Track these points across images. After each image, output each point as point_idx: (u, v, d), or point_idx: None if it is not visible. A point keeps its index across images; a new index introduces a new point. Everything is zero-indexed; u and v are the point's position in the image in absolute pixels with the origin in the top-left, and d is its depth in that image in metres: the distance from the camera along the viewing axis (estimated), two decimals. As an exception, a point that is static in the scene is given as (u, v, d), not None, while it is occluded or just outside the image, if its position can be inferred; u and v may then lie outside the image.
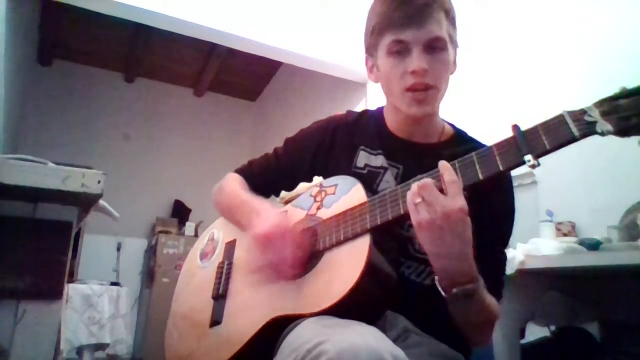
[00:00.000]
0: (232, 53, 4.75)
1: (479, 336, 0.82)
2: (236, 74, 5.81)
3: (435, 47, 0.84)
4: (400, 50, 0.84)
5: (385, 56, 0.87)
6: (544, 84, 2.34)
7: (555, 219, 2.01)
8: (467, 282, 0.70)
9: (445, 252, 0.68)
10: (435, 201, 0.67)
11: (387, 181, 0.90)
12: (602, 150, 1.96)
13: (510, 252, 1.55)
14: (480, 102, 2.62)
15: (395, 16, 0.83)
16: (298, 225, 0.90)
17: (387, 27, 0.85)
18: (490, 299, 0.77)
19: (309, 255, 0.82)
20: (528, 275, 1.54)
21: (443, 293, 0.71)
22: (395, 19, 0.83)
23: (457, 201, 0.66)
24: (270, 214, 0.86)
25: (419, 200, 0.68)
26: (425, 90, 0.84)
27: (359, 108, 1.07)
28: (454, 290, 0.70)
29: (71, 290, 3.20)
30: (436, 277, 0.72)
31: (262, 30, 3.16)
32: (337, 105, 3.63)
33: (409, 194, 0.70)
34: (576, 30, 2.27)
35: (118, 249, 5.18)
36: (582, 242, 1.62)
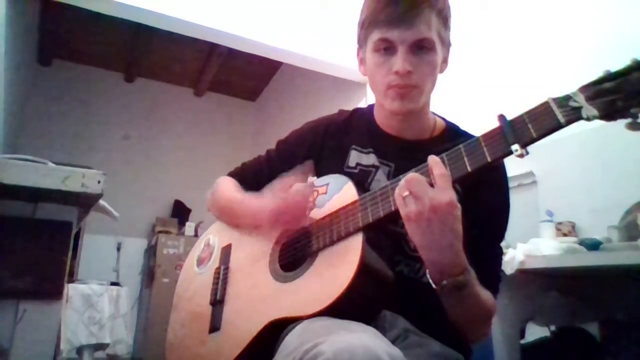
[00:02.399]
0: (232, 53, 4.75)
1: (476, 331, 0.82)
2: (236, 74, 5.80)
3: (423, 48, 0.84)
4: (387, 48, 0.85)
5: (371, 52, 0.88)
6: (538, 75, 2.34)
7: (555, 219, 2.01)
8: (457, 273, 0.70)
9: (434, 245, 0.68)
10: (423, 194, 0.67)
11: (379, 180, 0.90)
12: (602, 150, 1.97)
13: (510, 252, 1.55)
14: (480, 100, 2.62)
15: (383, 14, 0.83)
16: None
17: (374, 24, 0.86)
18: (484, 293, 0.77)
19: (297, 258, 0.83)
20: (528, 275, 1.54)
21: (434, 285, 0.71)
22: (383, 17, 0.84)
23: (446, 194, 0.66)
24: (266, 198, 0.89)
25: (406, 193, 0.68)
26: (408, 88, 0.84)
27: (358, 108, 1.06)
28: (444, 282, 0.70)
29: (71, 290, 3.21)
30: (427, 270, 0.72)
31: (262, 30, 3.16)
32: (337, 105, 3.59)
33: (397, 188, 0.70)
34: (574, 26, 2.27)
35: (118, 249, 5.17)
36: (582, 242, 1.62)
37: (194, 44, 4.64)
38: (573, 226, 2.04)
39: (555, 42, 2.36)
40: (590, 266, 1.44)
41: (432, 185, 0.68)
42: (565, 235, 1.97)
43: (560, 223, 2.03)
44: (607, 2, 2.16)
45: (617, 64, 0.63)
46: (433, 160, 0.70)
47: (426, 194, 0.67)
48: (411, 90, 0.85)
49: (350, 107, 1.06)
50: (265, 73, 5.76)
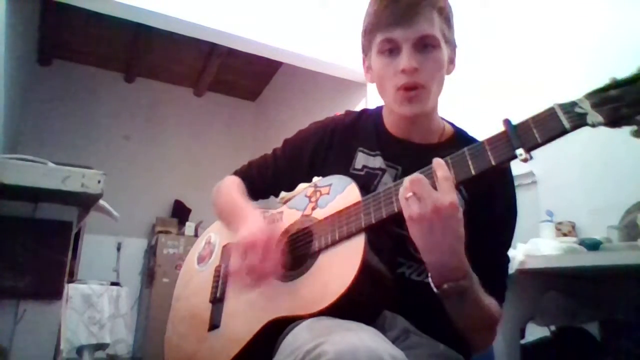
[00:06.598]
0: (232, 53, 4.75)
1: (478, 338, 0.81)
2: (236, 74, 5.81)
3: (427, 45, 0.84)
4: (392, 49, 0.85)
5: (376, 55, 0.87)
6: (541, 81, 2.34)
7: (555, 219, 2.01)
8: (459, 277, 0.69)
9: (436, 247, 0.68)
10: (426, 195, 0.66)
11: (385, 183, 0.89)
12: (602, 150, 1.97)
13: (510, 252, 1.55)
14: (480, 101, 2.62)
15: (384, 15, 0.84)
16: (293, 227, 0.90)
17: (377, 27, 0.86)
18: (489, 300, 0.77)
19: (299, 258, 0.82)
20: (528, 275, 1.53)
21: (435, 289, 0.71)
22: (384, 19, 0.84)
23: (448, 196, 0.66)
24: (255, 222, 0.86)
25: (410, 194, 0.68)
26: (416, 89, 0.84)
27: (359, 108, 1.06)
28: (445, 285, 0.70)
29: (71, 290, 3.21)
30: (429, 274, 0.72)
31: (262, 30, 3.16)
32: (337, 105, 3.63)
33: (401, 189, 0.70)
34: (574, 27, 2.27)
35: (118, 249, 5.18)
36: (582, 242, 1.62)
37: (194, 44, 4.64)
38: (573, 226, 2.04)
39: (558, 44, 2.36)
40: (590, 266, 1.44)
41: (435, 187, 0.68)
42: (565, 235, 1.97)
43: (560, 223, 2.03)
44: (612, 5, 2.16)
45: (621, 67, 0.63)
46: (437, 162, 0.70)
47: (429, 195, 0.66)
48: (419, 92, 0.84)
49: (350, 107, 1.06)
50: (265, 73, 5.76)
